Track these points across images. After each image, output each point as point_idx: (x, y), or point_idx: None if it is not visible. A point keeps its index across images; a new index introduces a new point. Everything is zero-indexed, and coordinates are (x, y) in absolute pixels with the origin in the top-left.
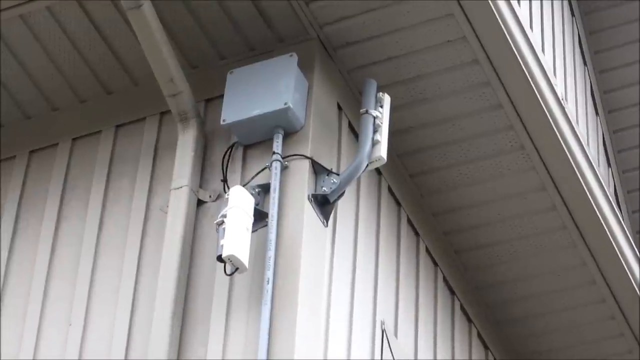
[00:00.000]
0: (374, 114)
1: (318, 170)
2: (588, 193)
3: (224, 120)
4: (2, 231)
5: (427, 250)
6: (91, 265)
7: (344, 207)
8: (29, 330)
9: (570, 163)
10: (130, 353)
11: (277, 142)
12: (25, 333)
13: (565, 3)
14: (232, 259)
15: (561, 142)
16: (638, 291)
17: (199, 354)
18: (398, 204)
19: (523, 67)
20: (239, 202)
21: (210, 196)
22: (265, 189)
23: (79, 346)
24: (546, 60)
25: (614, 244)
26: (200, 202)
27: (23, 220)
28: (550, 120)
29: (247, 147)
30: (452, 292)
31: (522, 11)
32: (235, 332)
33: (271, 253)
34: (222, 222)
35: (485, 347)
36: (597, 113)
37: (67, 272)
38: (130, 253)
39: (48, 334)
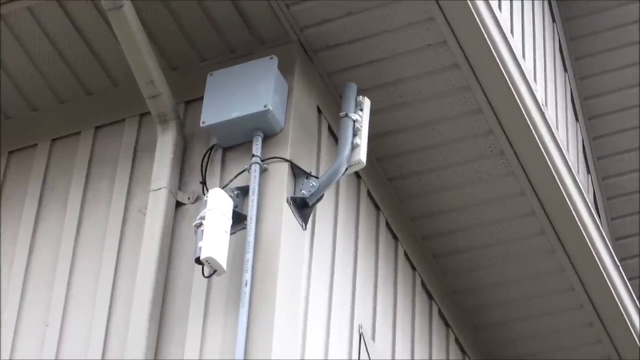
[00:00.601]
0: (354, 118)
1: (297, 173)
2: (567, 199)
3: (203, 122)
4: None
5: (406, 255)
6: (69, 266)
7: (322, 211)
8: (6, 331)
9: (550, 169)
10: (108, 354)
11: (257, 144)
12: (2, 334)
13: (546, 9)
14: (210, 261)
15: (541, 147)
16: (616, 297)
17: (176, 355)
18: (377, 207)
19: (503, 72)
20: (218, 204)
21: (189, 198)
22: (244, 191)
23: (56, 347)
24: (526, 65)
25: (592, 250)
26: (178, 204)
27: (1, 220)
28: (530, 125)
29: (226, 150)
30: (430, 297)
31: (503, 16)
32: (213, 335)
33: (249, 256)
34: (201, 224)
35: (463, 351)
36: (577, 119)
37: (44, 273)
38: (108, 254)
39: (25, 334)
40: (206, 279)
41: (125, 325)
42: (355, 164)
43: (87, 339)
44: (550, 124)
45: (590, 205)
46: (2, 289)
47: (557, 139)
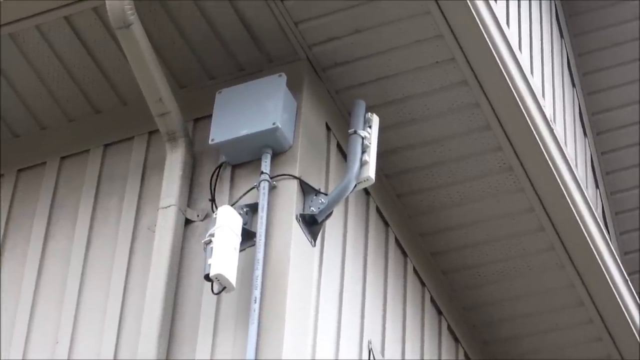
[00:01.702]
0: (363, 135)
1: (306, 190)
2: (576, 214)
3: (212, 140)
4: None
5: (415, 271)
6: (78, 283)
7: (331, 227)
8: (16, 349)
9: (559, 184)
10: None
11: (266, 162)
12: (12, 351)
13: (555, 24)
14: (219, 278)
15: (549, 163)
16: (626, 313)
17: None
18: (386, 224)
19: (512, 88)
20: (227, 221)
21: (198, 215)
22: (253, 208)
23: None
24: (535, 81)
25: (601, 265)
26: (188, 222)
27: (11, 239)
28: (539, 141)
29: (235, 167)
30: (440, 313)
31: (511, 32)
32: (222, 352)
33: (259, 272)
34: (210, 241)
35: None
36: (585, 134)
37: (54, 291)
38: (117, 272)
39: (35, 352)
40: (215, 296)
41: (135, 343)
42: (364, 180)
43: (97, 356)
44: (558, 139)
45: (599, 220)
46: (12, 306)
47: (566, 154)
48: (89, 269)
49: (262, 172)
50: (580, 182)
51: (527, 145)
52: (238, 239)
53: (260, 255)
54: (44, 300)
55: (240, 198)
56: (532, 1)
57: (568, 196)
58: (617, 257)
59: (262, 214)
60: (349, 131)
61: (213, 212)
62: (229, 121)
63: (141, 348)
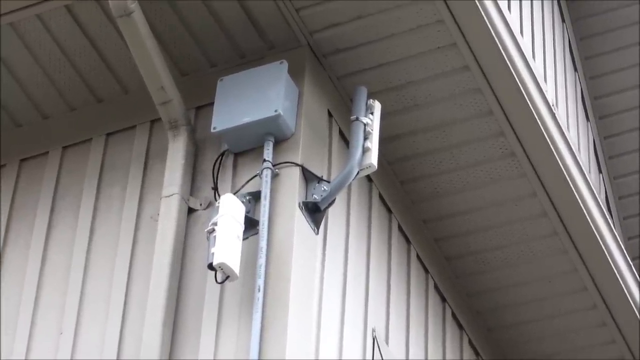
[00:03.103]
0: (365, 121)
1: (309, 177)
2: (579, 199)
3: (214, 128)
4: None
5: (418, 257)
6: (82, 273)
7: (334, 215)
8: (20, 339)
9: (561, 169)
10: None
11: (268, 149)
12: (16, 341)
13: (556, 9)
14: (223, 267)
15: (552, 148)
16: (630, 298)
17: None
18: (389, 211)
19: (513, 73)
20: (230, 210)
21: (200, 204)
22: (256, 196)
23: (70, 355)
24: (536, 66)
25: (605, 250)
26: (190, 210)
27: (14, 229)
28: (541, 126)
29: (237, 155)
30: (443, 299)
31: (512, 17)
32: (226, 340)
33: (262, 261)
34: (213, 230)
35: (477, 353)
36: (587, 119)
37: (58, 281)
38: (121, 261)
39: (39, 342)
40: (219, 285)
41: (139, 332)
42: (367, 167)
43: (101, 346)
44: (561, 124)
45: (602, 205)
46: (15, 297)
47: (568, 139)
48: (92, 258)
49: (264, 160)
50: (582, 166)
51: (529, 130)
52: (241, 227)
53: (263, 243)
54: (48, 290)
55: (243, 186)
56: None
57: (571, 181)
58: (620, 241)
59: (264, 202)
60: (351, 118)
61: (216, 200)
62: (231, 109)
63: (145, 337)
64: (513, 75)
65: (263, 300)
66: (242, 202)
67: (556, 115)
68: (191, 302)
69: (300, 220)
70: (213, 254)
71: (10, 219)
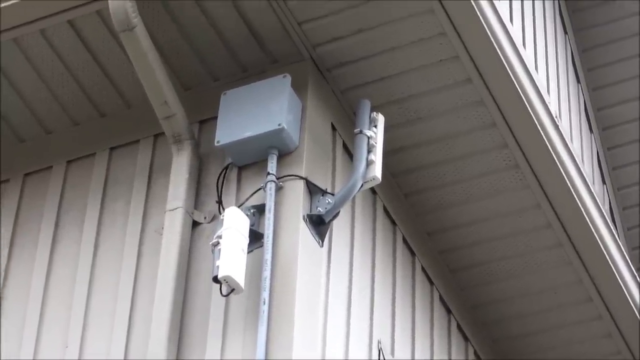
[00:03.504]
0: (368, 134)
1: (313, 190)
2: (583, 210)
3: (218, 142)
4: None
5: (423, 269)
6: (87, 287)
7: (339, 227)
8: (26, 353)
9: (565, 181)
10: None
11: (272, 162)
12: (22, 355)
13: (558, 20)
14: (228, 280)
15: (555, 160)
16: (634, 308)
17: None
18: (393, 223)
19: (516, 85)
20: (234, 223)
21: (205, 217)
22: (260, 209)
23: None
24: (539, 78)
25: (609, 261)
26: (195, 224)
27: (18, 243)
28: (544, 138)
29: (241, 168)
30: (449, 311)
31: (515, 29)
32: (232, 353)
33: (267, 274)
34: (218, 243)
35: None
36: (591, 130)
37: (62, 295)
38: (126, 275)
39: (44, 356)
40: (224, 298)
41: (144, 345)
42: (371, 180)
43: (107, 359)
44: (564, 135)
45: (606, 215)
46: (21, 311)
47: (572, 150)
48: (97, 272)
49: (268, 173)
50: (586, 178)
51: (532, 142)
52: (246, 240)
53: (268, 256)
54: (53, 304)
55: (247, 199)
56: None
57: (575, 192)
58: (625, 252)
59: (269, 215)
60: (355, 131)
61: (220, 213)
62: (234, 123)
63: (150, 351)
64: (516, 87)
65: (268, 313)
66: (247, 215)
67: (559, 126)
68: (196, 315)
69: (305, 233)
70: (218, 267)
71: (15, 233)
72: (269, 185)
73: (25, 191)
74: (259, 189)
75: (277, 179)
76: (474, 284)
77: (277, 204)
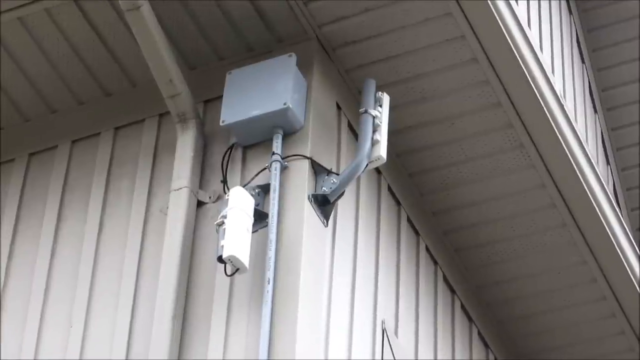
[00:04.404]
0: (373, 114)
1: (318, 170)
2: (587, 191)
3: (223, 121)
4: (2, 233)
5: (427, 249)
6: (92, 266)
7: (343, 207)
8: (30, 332)
9: (570, 161)
10: (131, 354)
11: (277, 142)
12: (25, 334)
13: (563, 1)
14: (232, 260)
15: (560, 140)
16: (638, 288)
17: (200, 354)
18: (398, 203)
19: (522, 65)
20: (239, 202)
21: (210, 197)
22: (265, 189)
23: (80, 347)
24: (544, 58)
25: (613, 241)
26: (200, 203)
27: (23, 222)
28: (549, 118)
29: (246, 148)
30: (453, 291)
31: (520, 10)
32: (236, 332)
33: (271, 253)
34: (222, 222)
35: (486, 345)
36: (595, 111)
37: (67, 274)
38: (130, 254)
39: (49, 335)
40: (229, 278)
41: (149, 325)
42: (376, 160)
43: (111, 338)
44: (569, 115)
45: (610, 196)
46: (25, 290)
47: (576, 130)
48: (102, 251)
49: (273, 153)
50: (591, 158)
51: (537, 121)
52: (250, 220)
53: (272, 236)
54: (58, 283)
55: (252, 179)
56: None
57: (579, 172)
58: (629, 232)
59: (274, 194)
60: (360, 110)
61: (225, 193)
62: (240, 102)
63: (155, 329)
64: (521, 67)
65: (273, 293)
66: (251, 195)
67: (564, 106)
68: (201, 294)
69: (310, 213)
70: (222, 246)
71: (20, 212)
72: (274, 165)
73: (30, 170)
74: (264, 168)
75: (282, 158)
76: (479, 264)
77: (282, 183)
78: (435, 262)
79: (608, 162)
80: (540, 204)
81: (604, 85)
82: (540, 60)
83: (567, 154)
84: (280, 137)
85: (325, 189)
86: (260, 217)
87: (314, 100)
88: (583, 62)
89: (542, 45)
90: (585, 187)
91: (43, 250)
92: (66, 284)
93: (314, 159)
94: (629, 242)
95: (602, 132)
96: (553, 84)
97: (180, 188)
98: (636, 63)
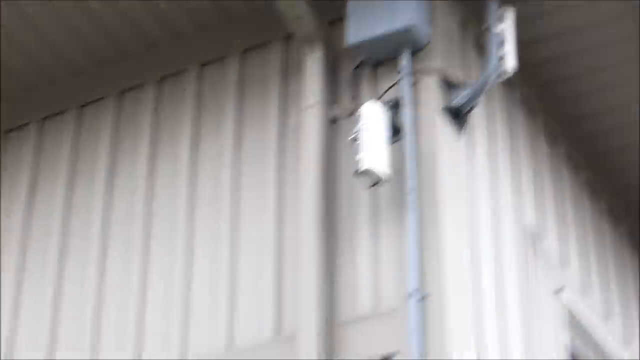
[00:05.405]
0: (499, 28)
1: (447, 84)
2: None
3: (349, 41)
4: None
5: (567, 155)
6: (234, 185)
7: (476, 119)
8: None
9: None
10: (284, 267)
11: (405, 58)
12: (176, 253)
13: None
14: (370, 173)
15: None
16: None
17: (349, 260)
18: (531, 112)
19: None
20: (372, 117)
21: (342, 113)
22: (396, 104)
23: (229, 261)
24: None
25: None
26: (332, 120)
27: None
28: None
29: (374, 65)
30: (599, 197)
31: None
32: (385, 244)
33: (411, 163)
34: (357, 137)
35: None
36: None
37: (211, 189)
38: (270, 174)
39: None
40: (368, 191)
41: (296, 239)
42: (504, 73)
43: (260, 249)
44: None
45: None
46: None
47: None
48: (243, 170)
49: (402, 69)
50: None
51: None
52: (385, 133)
53: (410, 147)
54: (202, 200)
55: (384, 94)
56: None
57: None
58: None
59: (409, 107)
60: (486, 25)
61: (357, 109)
62: (365, 21)
63: (303, 241)
64: None
65: (416, 202)
66: (383, 109)
67: None
68: (344, 207)
69: (444, 125)
70: (360, 160)
71: (158, 136)
72: (404, 80)
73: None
74: (394, 84)
75: (411, 73)
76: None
77: (413, 98)
78: (578, 167)
79: None
80: None
81: None
82: None
83: None
84: (407, 53)
85: (457, 102)
86: (393, 132)
87: (439, 16)
88: None
89: None
90: None
91: (183, 169)
92: (213, 195)
93: (443, 73)
94: None
95: None
96: None
97: (312, 105)
98: None
